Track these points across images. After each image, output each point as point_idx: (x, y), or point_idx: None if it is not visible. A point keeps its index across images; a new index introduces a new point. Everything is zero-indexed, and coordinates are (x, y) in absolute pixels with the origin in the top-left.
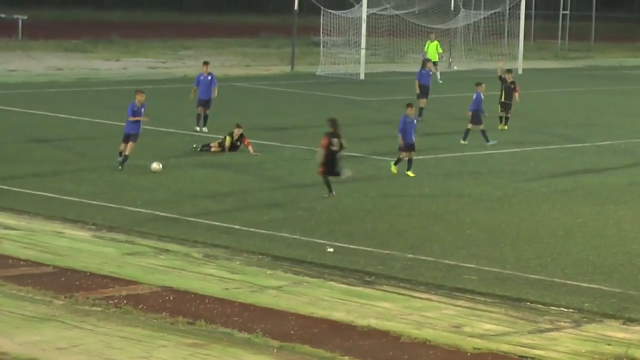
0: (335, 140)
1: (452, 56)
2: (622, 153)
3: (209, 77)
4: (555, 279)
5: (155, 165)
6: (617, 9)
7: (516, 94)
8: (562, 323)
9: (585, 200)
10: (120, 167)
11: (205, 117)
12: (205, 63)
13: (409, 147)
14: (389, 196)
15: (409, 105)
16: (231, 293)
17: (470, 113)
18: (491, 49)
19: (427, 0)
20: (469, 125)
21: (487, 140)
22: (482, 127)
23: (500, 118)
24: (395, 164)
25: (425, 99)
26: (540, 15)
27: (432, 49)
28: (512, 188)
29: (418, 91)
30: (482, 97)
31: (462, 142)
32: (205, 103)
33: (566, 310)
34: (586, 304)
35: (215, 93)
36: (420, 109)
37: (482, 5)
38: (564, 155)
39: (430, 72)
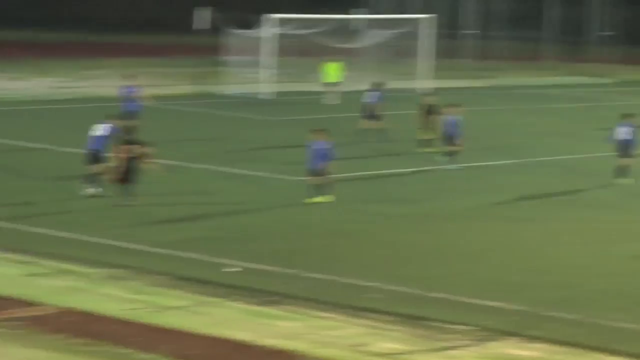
0: (129, 148)
1: (358, 76)
2: (530, 172)
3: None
4: (459, 298)
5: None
6: (524, 29)
7: (437, 117)
8: (464, 341)
9: (492, 219)
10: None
11: None
12: (130, 77)
13: (313, 172)
14: (295, 215)
15: (314, 131)
16: (133, 313)
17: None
18: (397, 69)
19: (334, 20)
20: (448, 148)
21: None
22: (455, 148)
23: (427, 141)
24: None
25: (372, 121)
26: (447, 35)
27: (333, 69)
28: (419, 207)
29: (365, 113)
30: (457, 119)
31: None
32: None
33: (468, 328)
34: (489, 322)
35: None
36: (368, 130)
37: (388, 25)
38: (473, 174)
39: (380, 94)
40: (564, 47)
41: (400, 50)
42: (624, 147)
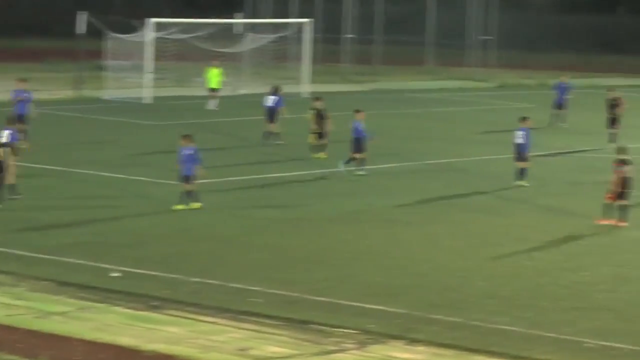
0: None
1: (239, 80)
2: (410, 175)
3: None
4: (342, 301)
5: None
6: (402, 33)
7: (328, 121)
8: (347, 344)
9: (373, 222)
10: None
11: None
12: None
13: (182, 178)
14: (177, 220)
15: (182, 136)
16: (16, 319)
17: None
18: (277, 73)
19: (215, 24)
20: (355, 155)
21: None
22: (362, 155)
23: (315, 146)
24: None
25: (274, 123)
26: (326, 39)
27: (214, 75)
28: (302, 211)
29: (266, 116)
30: (361, 125)
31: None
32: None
33: (352, 331)
34: (372, 325)
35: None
36: (270, 133)
37: (268, 29)
38: (357, 177)
39: (281, 97)
40: (443, 51)
41: (281, 54)
42: (520, 151)
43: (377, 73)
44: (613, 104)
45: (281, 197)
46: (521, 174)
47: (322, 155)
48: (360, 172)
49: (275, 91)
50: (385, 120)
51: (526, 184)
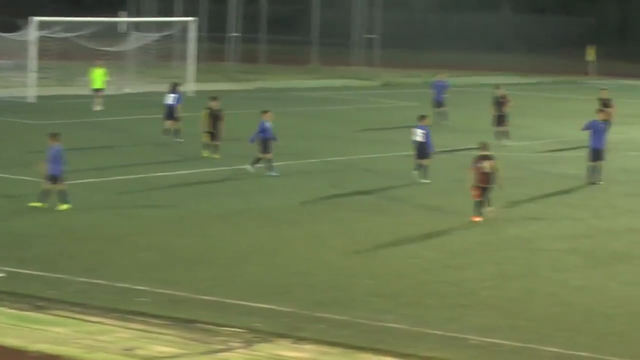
0: None
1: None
2: (296, 174)
3: None
4: (229, 300)
5: None
6: (287, 32)
7: (222, 122)
8: (234, 343)
9: (258, 222)
10: None
11: None
12: None
13: (49, 178)
14: (61, 220)
15: (51, 135)
16: None
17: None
18: (162, 72)
19: (99, 23)
20: (261, 155)
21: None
22: (270, 155)
23: (208, 145)
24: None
25: (174, 121)
26: (211, 38)
27: (99, 75)
28: (185, 210)
29: (165, 114)
30: (269, 125)
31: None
32: None
33: (238, 330)
34: (258, 324)
35: None
36: (169, 131)
37: (152, 28)
38: (235, 176)
39: (179, 95)
40: (328, 50)
41: (166, 53)
42: (420, 148)
43: (262, 72)
44: (500, 102)
45: (168, 196)
46: (422, 170)
47: (214, 155)
48: (271, 173)
49: (174, 89)
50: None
51: (427, 181)
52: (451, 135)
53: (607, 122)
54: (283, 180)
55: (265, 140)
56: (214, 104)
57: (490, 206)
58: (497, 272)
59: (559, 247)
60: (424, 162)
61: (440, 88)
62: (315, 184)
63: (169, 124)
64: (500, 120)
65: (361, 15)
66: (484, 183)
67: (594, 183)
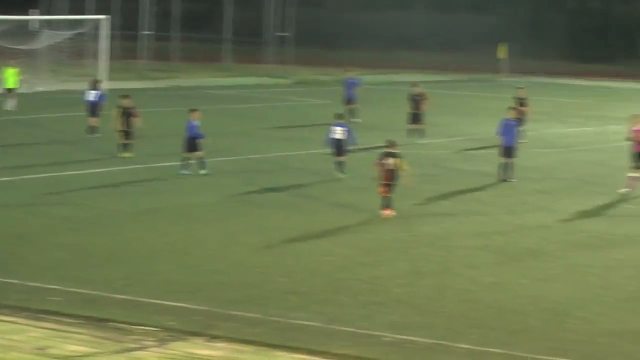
0: None
1: (36, 77)
2: (211, 171)
3: None
4: (142, 299)
5: None
6: (200, 30)
7: (136, 119)
8: (148, 342)
9: (170, 220)
10: None
11: None
12: None
13: None
14: None
15: None
16: None
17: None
18: (74, 70)
19: (9, 21)
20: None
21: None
22: (201, 154)
23: (125, 145)
24: None
25: (95, 118)
26: (123, 36)
27: (11, 75)
28: (98, 209)
29: (88, 111)
30: (196, 124)
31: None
32: None
33: (152, 329)
34: (172, 322)
35: None
36: (93, 128)
37: (64, 26)
38: (148, 174)
39: (101, 92)
40: (241, 48)
41: (78, 51)
42: (338, 146)
43: (174, 70)
44: (416, 100)
45: (81, 195)
46: (340, 167)
47: (127, 154)
48: (203, 172)
49: (95, 86)
50: (181, 118)
51: (345, 175)
52: (365, 132)
53: (519, 121)
54: (196, 179)
55: (192, 139)
56: (126, 102)
57: (390, 206)
58: (411, 269)
59: (472, 244)
60: (342, 159)
61: (351, 85)
62: (229, 181)
63: (93, 121)
64: (416, 118)
65: (274, 13)
66: (389, 180)
67: (505, 180)
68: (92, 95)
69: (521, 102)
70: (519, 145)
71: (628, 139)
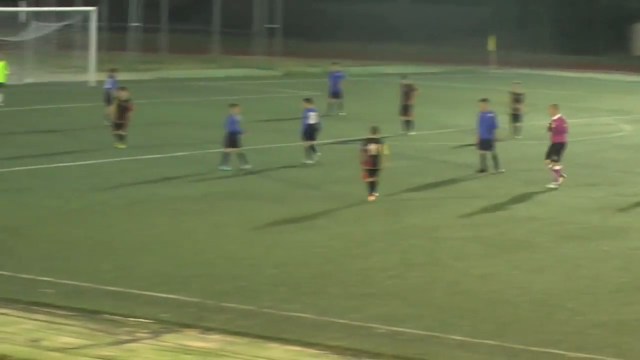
0: None
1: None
2: (198, 164)
3: None
4: (133, 290)
5: None
6: (188, 21)
7: (128, 113)
8: (141, 334)
9: (160, 212)
10: None
11: None
12: None
13: None
14: None
15: None
16: None
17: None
18: (63, 62)
19: None
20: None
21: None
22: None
23: (120, 136)
24: None
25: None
26: (111, 27)
27: (0, 69)
28: (87, 200)
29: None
30: (237, 119)
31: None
32: None
33: (144, 321)
34: (164, 314)
35: None
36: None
37: (52, 17)
38: (137, 166)
39: (114, 80)
40: (229, 39)
41: (67, 43)
42: (311, 130)
43: (162, 61)
44: (406, 91)
45: (71, 187)
46: (313, 151)
47: (120, 145)
48: (247, 166)
49: (112, 74)
50: (169, 109)
51: (313, 162)
52: (352, 124)
53: (493, 113)
54: (182, 170)
55: (232, 134)
56: (123, 94)
57: (375, 192)
58: (401, 261)
59: (462, 236)
60: (314, 142)
61: (336, 79)
62: (218, 173)
63: (108, 109)
64: (405, 110)
65: (262, 5)
66: (371, 165)
67: (484, 171)
68: (109, 84)
69: (516, 97)
70: (503, 137)
71: (549, 129)
